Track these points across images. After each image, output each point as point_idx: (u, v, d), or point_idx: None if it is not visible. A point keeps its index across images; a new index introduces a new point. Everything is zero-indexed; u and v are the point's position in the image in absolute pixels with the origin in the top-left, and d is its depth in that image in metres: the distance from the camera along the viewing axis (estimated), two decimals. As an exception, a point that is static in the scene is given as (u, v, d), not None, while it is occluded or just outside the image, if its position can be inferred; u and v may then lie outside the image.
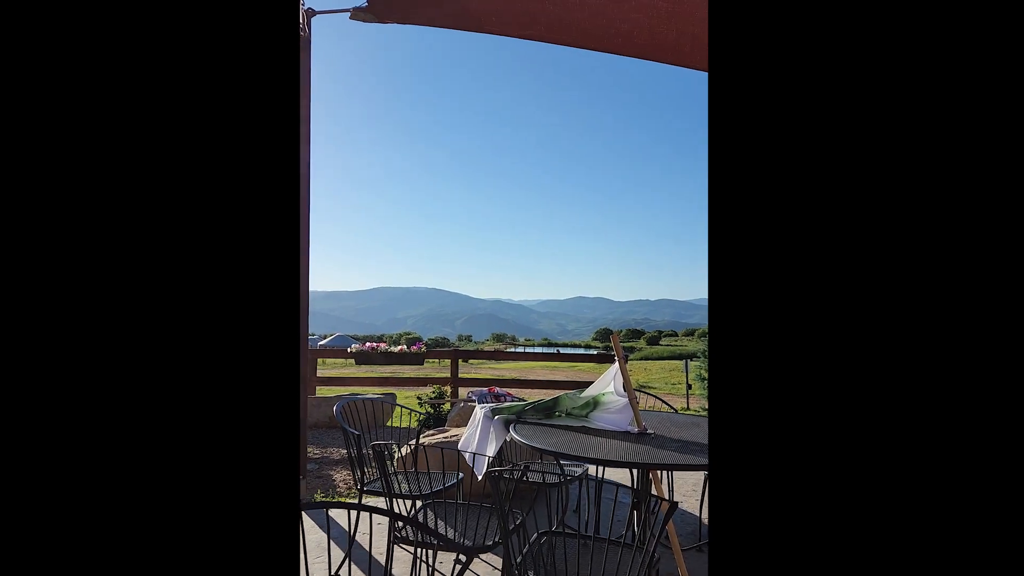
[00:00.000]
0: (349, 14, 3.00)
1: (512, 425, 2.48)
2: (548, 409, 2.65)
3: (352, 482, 3.58)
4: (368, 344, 6.90)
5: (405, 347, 6.85)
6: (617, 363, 2.59)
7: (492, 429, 2.54)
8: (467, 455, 2.59)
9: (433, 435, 3.95)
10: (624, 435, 2.35)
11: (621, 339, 2.72)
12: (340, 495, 3.61)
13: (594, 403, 2.64)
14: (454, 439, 3.55)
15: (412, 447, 3.36)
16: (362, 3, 2.91)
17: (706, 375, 7.59)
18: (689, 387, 12.46)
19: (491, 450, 2.48)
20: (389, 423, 6.57)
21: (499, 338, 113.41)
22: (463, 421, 5.49)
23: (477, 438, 2.59)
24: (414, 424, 6.49)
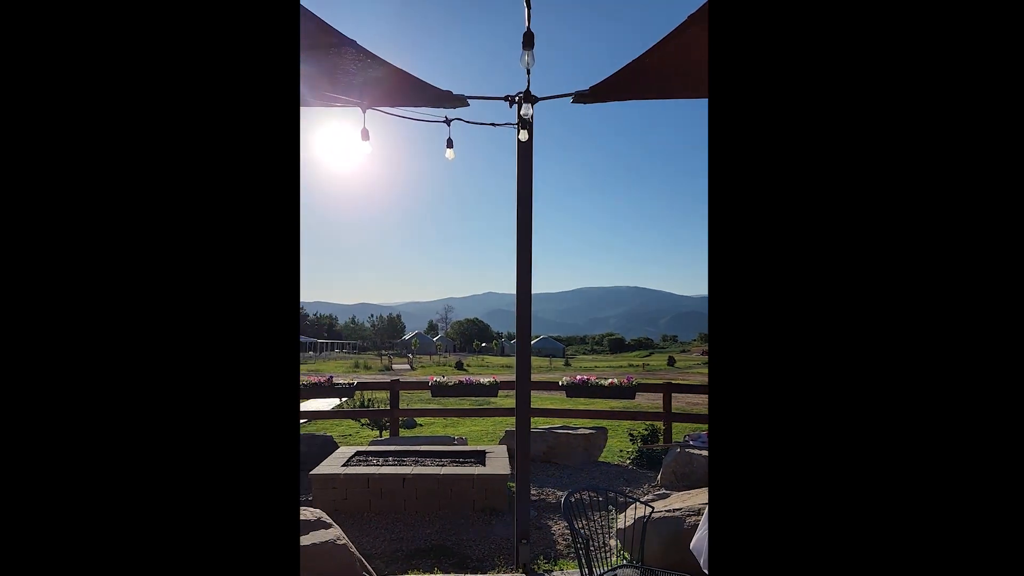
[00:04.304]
0: (571, 98, 3.05)
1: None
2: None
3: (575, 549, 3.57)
4: (579, 377, 6.98)
5: (616, 381, 6.79)
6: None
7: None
8: (701, 561, 2.41)
9: (653, 501, 3.80)
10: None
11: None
12: (561, 557, 3.65)
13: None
14: (678, 514, 3.36)
15: (636, 518, 3.26)
16: (582, 88, 2.94)
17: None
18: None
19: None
20: (601, 458, 6.54)
21: (707, 338, 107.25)
22: (680, 472, 5.23)
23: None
24: (626, 462, 6.38)
